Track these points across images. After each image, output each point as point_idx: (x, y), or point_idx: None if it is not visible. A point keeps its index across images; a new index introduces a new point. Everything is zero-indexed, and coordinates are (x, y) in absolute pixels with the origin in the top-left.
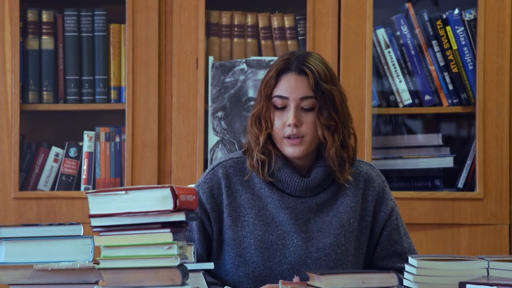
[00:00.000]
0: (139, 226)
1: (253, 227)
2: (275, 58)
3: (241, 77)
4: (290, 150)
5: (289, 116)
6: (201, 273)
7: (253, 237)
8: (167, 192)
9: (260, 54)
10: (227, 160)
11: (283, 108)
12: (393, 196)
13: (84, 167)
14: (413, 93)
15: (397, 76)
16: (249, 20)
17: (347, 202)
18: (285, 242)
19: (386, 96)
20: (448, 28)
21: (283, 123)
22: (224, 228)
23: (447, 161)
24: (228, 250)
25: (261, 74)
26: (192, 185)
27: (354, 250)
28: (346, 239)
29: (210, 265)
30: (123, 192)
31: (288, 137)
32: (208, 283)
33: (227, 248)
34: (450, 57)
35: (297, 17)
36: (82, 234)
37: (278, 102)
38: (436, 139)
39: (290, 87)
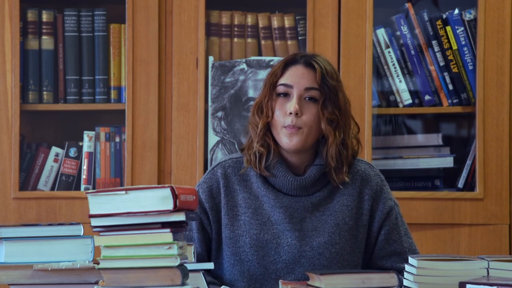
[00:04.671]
0: (139, 226)
1: (249, 226)
2: (275, 58)
3: (241, 77)
4: (286, 140)
5: (291, 104)
6: (201, 273)
7: (249, 236)
8: (167, 192)
9: (260, 54)
10: (226, 160)
11: (286, 97)
12: (394, 196)
13: (84, 167)
14: (413, 93)
15: (397, 76)
16: (249, 20)
17: (343, 201)
18: (280, 241)
19: (386, 96)
20: (448, 28)
21: (284, 112)
22: (222, 227)
23: (447, 161)
24: (225, 249)
25: (261, 74)
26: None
27: (350, 249)
28: (341, 238)
29: (210, 265)
30: (123, 192)
31: (287, 127)
32: (208, 283)
33: (224, 247)
34: (450, 57)
35: (297, 17)
36: (82, 234)
37: (281, 89)
38: (436, 139)
39: (296, 76)
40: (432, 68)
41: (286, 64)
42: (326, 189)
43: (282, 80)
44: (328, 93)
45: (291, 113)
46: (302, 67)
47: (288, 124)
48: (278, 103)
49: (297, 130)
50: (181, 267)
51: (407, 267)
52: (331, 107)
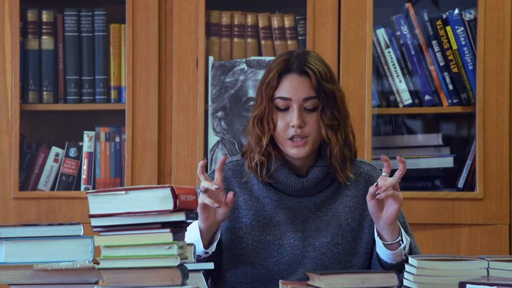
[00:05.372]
0: (139, 226)
1: (251, 228)
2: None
3: (241, 77)
4: (294, 151)
5: (293, 117)
6: (201, 273)
7: (251, 237)
8: (167, 192)
9: (260, 54)
10: (226, 164)
11: (286, 109)
12: None
13: (84, 167)
14: (413, 93)
15: (397, 76)
16: (249, 20)
17: (346, 202)
18: (282, 242)
19: (386, 96)
20: (448, 28)
21: (286, 124)
22: (222, 230)
23: (447, 161)
24: (226, 251)
25: (261, 74)
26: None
27: (353, 250)
28: (344, 239)
29: (210, 265)
30: (123, 192)
31: (292, 138)
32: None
33: (225, 249)
34: (450, 57)
35: (297, 17)
36: (82, 234)
37: (280, 103)
38: (436, 139)
39: (292, 88)
40: (432, 68)
41: (280, 74)
42: (329, 190)
43: (279, 93)
44: (325, 99)
45: (293, 126)
46: (297, 76)
47: (293, 134)
48: (279, 116)
49: (304, 141)
50: (181, 267)
51: (407, 267)
52: (330, 113)
